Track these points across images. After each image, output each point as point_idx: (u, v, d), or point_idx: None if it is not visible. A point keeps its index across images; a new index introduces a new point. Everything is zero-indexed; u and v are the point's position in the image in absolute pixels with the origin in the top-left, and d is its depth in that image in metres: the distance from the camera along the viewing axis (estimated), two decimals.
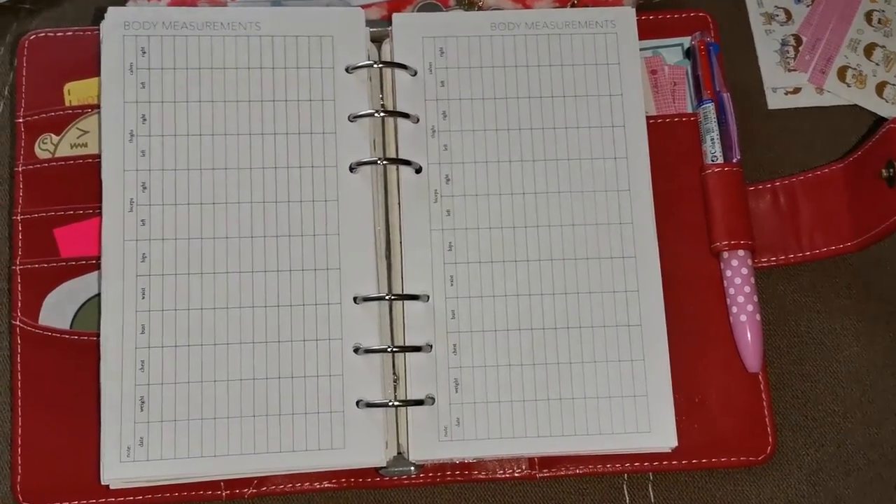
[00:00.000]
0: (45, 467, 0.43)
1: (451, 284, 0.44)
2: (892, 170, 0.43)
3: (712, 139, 0.48)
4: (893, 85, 0.53)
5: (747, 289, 0.46)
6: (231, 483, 0.43)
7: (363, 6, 0.48)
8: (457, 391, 0.43)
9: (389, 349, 0.43)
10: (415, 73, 0.46)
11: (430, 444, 0.43)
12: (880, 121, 0.51)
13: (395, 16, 0.47)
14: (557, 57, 0.47)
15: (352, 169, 0.45)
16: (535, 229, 0.45)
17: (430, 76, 0.46)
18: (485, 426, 0.43)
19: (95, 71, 0.46)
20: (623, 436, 0.44)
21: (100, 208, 0.44)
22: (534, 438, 0.43)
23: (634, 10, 0.49)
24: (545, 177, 0.46)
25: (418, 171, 0.45)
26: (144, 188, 0.44)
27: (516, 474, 0.45)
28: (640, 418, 0.44)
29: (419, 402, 0.43)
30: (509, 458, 0.44)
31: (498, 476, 0.45)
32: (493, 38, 0.47)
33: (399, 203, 0.45)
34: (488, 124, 0.46)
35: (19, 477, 0.43)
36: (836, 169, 0.48)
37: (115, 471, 0.41)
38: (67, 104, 0.47)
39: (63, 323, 0.44)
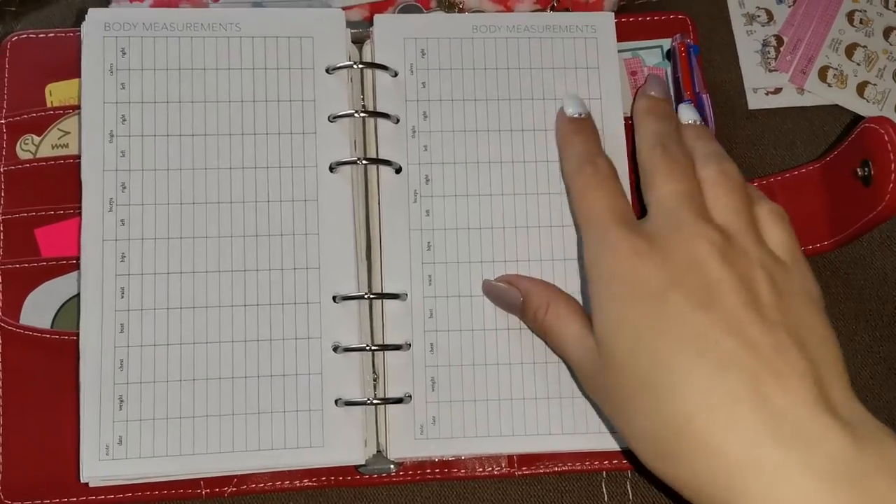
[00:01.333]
0: (27, 465, 0.43)
1: (430, 284, 0.45)
2: (867, 169, 0.44)
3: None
4: (874, 85, 0.53)
5: None
6: (211, 482, 0.43)
7: (344, 7, 0.49)
8: (433, 389, 0.43)
9: (368, 347, 0.43)
10: (395, 75, 0.47)
11: (407, 441, 0.43)
12: (860, 120, 0.51)
13: (376, 17, 0.48)
14: (538, 60, 0.47)
15: (332, 169, 0.45)
16: (513, 230, 0.45)
17: (412, 77, 0.47)
18: (461, 424, 0.43)
19: (77, 72, 0.46)
20: (600, 435, 0.44)
21: (80, 208, 0.44)
22: (511, 437, 0.43)
23: (613, 14, 0.49)
24: (523, 178, 0.46)
25: (398, 171, 0.46)
26: (124, 188, 0.44)
27: (496, 472, 0.45)
28: None
29: (398, 401, 0.43)
30: (488, 456, 0.45)
31: (477, 474, 0.45)
32: (474, 40, 0.47)
33: (378, 203, 0.45)
34: (468, 125, 0.46)
35: (0, 475, 0.43)
36: (813, 169, 0.48)
37: (95, 469, 0.41)
38: (49, 105, 0.47)
39: (44, 322, 0.44)
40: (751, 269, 0.38)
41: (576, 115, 0.46)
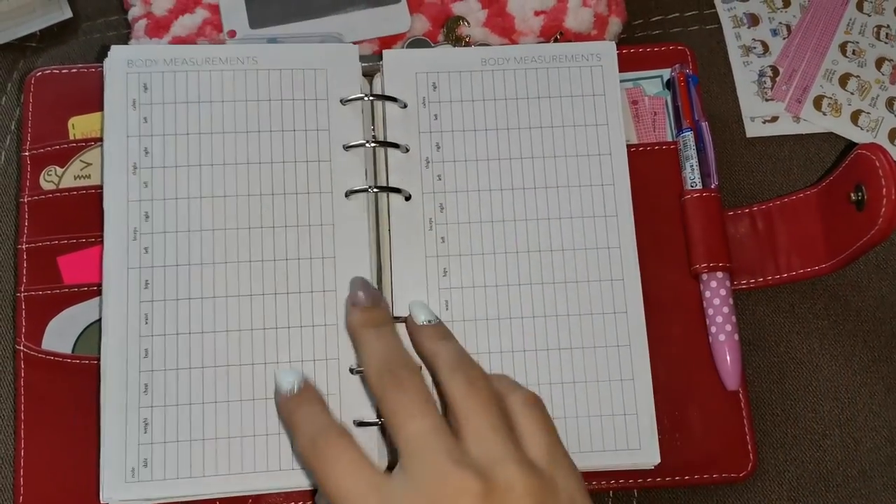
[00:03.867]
0: (46, 488, 0.44)
1: (447, 309, 0.46)
2: (860, 193, 0.45)
3: (691, 166, 0.49)
4: (868, 113, 0.55)
5: (726, 309, 0.47)
6: (227, 501, 0.44)
7: (356, 42, 0.50)
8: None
9: None
10: (405, 106, 0.48)
11: None
12: (853, 147, 0.53)
13: (385, 52, 0.49)
14: (545, 89, 0.49)
15: (347, 195, 0.47)
16: (526, 255, 0.47)
17: (424, 110, 0.48)
18: None
19: (98, 106, 0.48)
20: (612, 453, 0.45)
21: (101, 237, 0.45)
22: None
23: (615, 43, 0.51)
24: (535, 203, 0.47)
25: (408, 198, 0.47)
26: (147, 217, 0.45)
27: None
28: (631, 436, 0.45)
29: None
30: None
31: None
32: (483, 72, 0.49)
33: (389, 229, 0.47)
34: (480, 154, 0.48)
35: (21, 498, 0.44)
36: (810, 194, 0.50)
37: (119, 491, 0.42)
38: (72, 137, 0.48)
39: (65, 347, 0.46)
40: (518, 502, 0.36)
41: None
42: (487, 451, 0.37)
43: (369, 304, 0.43)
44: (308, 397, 0.42)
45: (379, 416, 0.44)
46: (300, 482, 0.43)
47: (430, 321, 0.43)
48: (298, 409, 0.41)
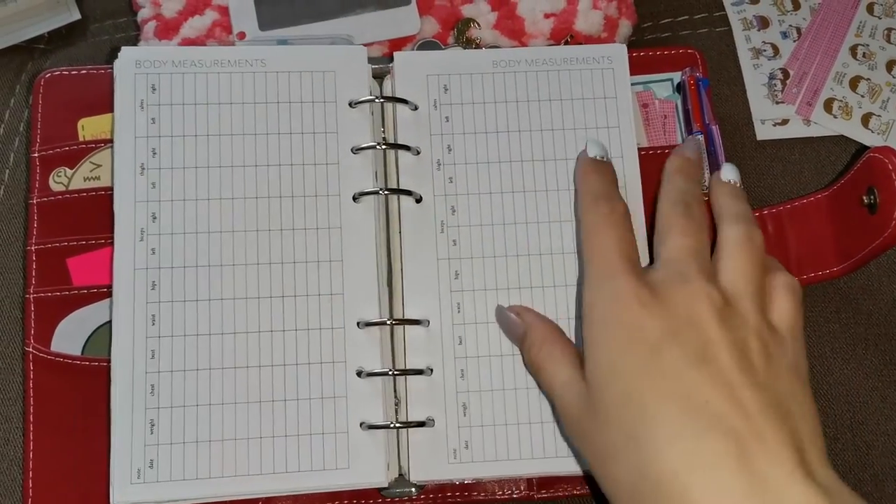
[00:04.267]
0: (55, 489, 0.44)
1: (458, 311, 0.46)
2: (872, 197, 0.45)
3: (702, 169, 0.49)
4: (878, 116, 0.55)
5: None
6: None
7: (365, 44, 0.50)
8: (465, 415, 0.44)
9: (391, 372, 0.45)
10: (415, 108, 0.48)
11: (436, 465, 0.44)
12: (865, 150, 0.53)
13: (396, 54, 0.49)
14: (557, 91, 0.49)
15: (355, 198, 0.46)
16: (538, 257, 0.47)
17: (435, 112, 0.48)
18: (492, 448, 0.44)
19: (108, 107, 0.48)
20: None
21: (111, 238, 0.45)
22: (539, 460, 0.44)
23: (626, 46, 0.50)
24: (547, 206, 0.47)
25: (418, 200, 0.47)
26: (155, 218, 0.45)
27: (514, 495, 0.46)
28: None
29: (421, 424, 0.44)
30: (510, 479, 0.45)
31: (497, 497, 0.46)
32: (494, 74, 0.49)
33: (400, 232, 0.47)
34: (491, 157, 0.48)
35: (30, 500, 0.44)
36: (821, 197, 0.49)
37: (126, 492, 0.42)
38: (81, 139, 0.48)
39: (74, 349, 0.46)
40: (747, 334, 0.39)
41: (597, 158, 0.47)
42: (736, 287, 0.40)
43: (694, 159, 0.47)
44: (608, 167, 0.46)
45: (387, 418, 0.44)
46: (306, 485, 0.43)
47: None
48: (596, 172, 0.46)
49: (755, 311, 0.40)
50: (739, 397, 0.37)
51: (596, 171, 0.46)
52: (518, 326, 0.45)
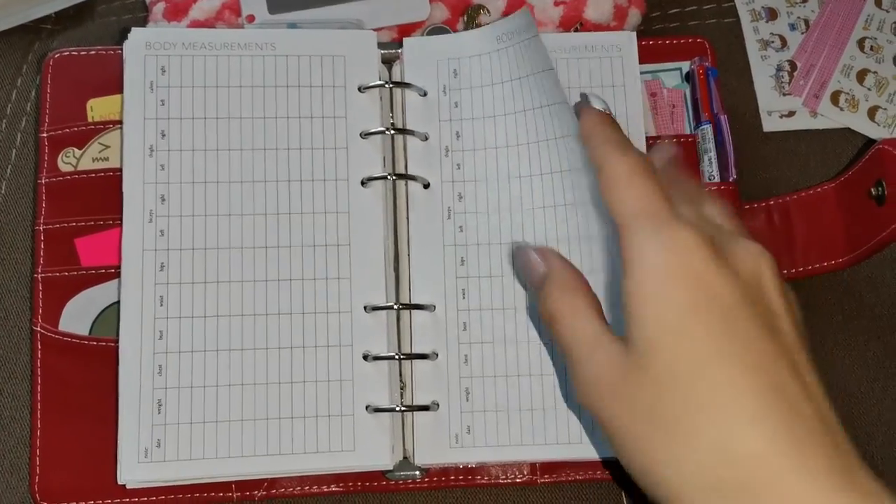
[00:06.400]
0: (62, 468, 0.44)
1: (463, 297, 0.46)
2: (880, 188, 0.45)
3: (710, 159, 0.49)
4: (885, 109, 0.55)
5: None
6: (242, 485, 0.45)
7: (375, 29, 0.50)
8: (468, 400, 0.45)
9: (397, 356, 0.45)
10: (424, 94, 0.48)
11: (439, 449, 0.44)
12: (871, 142, 0.53)
13: (405, 39, 0.49)
14: (565, 79, 0.49)
15: (363, 183, 0.47)
16: (545, 244, 0.46)
17: (445, 97, 0.48)
18: (494, 433, 0.44)
19: (117, 88, 0.48)
20: None
21: (119, 219, 0.45)
22: (541, 446, 0.45)
23: (635, 34, 0.50)
24: (553, 194, 0.47)
25: (426, 186, 0.47)
26: (163, 200, 0.45)
27: (518, 480, 0.46)
28: None
29: (425, 408, 0.44)
30: (513, 463, 0.46)
31: (500, 481, 0.46)
32: (499, 51, 0.48)
33: (407, 217, 0.47)
34: (499, 142, 0.48)
35: (37, 478, 0.44)
36: (828, 188, 0.49)
37: (133, 471, 0.43)
38: (90, 120, 0.48)
39: (82, 329, 0.46)
40: (792, 304, 0.36)
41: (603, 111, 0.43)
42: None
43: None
44: (614, 120, 0.42)
45: (393, 402, 0.44)
46: (312, 466, 0.44)
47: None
48: (609, 123, 0.41)
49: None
50: (805, 377, 0.34)
51: (611, 122, 0.41)
52: (538, 268, 0.40)
